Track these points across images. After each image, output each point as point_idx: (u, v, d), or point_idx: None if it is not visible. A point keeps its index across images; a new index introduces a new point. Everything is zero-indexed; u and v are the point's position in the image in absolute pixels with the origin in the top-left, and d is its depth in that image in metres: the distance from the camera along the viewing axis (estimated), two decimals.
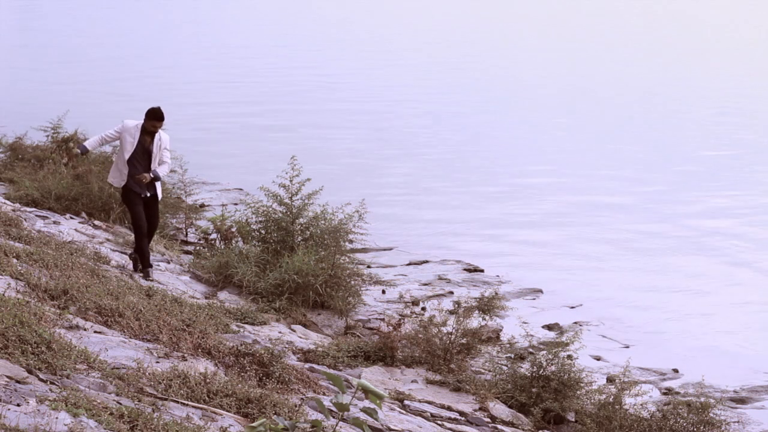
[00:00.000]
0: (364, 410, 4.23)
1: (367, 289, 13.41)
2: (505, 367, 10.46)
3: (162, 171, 11.51)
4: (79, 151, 11.63)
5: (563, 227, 18.58)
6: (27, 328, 6.73)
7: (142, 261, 11.63)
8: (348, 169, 23.04)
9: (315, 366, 9.40)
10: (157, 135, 11.38)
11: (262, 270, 12.62)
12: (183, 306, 9.60)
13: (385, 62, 45.73)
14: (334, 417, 4.48)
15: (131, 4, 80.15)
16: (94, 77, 39.03)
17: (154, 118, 11.30)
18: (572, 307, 14.35)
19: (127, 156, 11.31)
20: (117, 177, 11.52)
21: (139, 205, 11.46)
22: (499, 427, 9.35)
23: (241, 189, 20.25)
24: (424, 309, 13.27)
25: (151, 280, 11.33)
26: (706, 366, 12.10)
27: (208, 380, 7.10)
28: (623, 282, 15.62)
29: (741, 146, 26.60)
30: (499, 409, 9.73)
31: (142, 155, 11.36)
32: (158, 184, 11.59)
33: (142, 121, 11.35)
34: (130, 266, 11.86)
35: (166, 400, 6.66)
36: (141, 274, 11.51)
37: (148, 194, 11.50)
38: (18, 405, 5.64)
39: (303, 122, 29.79)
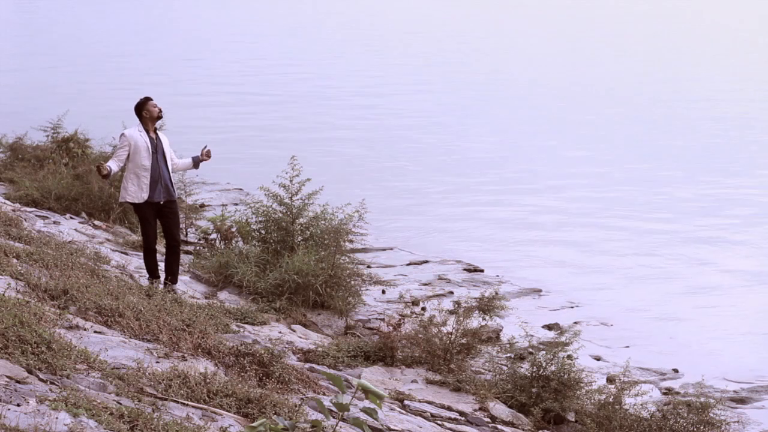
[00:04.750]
0: (364, 410, 4.23)
1: (367, 289, 13.40)
2: (505, 367, 10.46)
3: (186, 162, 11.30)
4: (105, 171, 10.75)
5: (564, 227, 18.58)
6: (27, 328, 6.73)
7: (150, 272, 11.22)
8: (348, 169, 23.05)
9: (315, 366, 9.40)
10: (158, 133, 11.01)
11: (262, 270, 12.62)
12: (183, 306, 9.60)
13: (384, 62, 45.73)
14: (334, 417, 4.48)
15: (132, 4, 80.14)
16: (94, 77, 39.04)
17: (148, 100, 10.90)
18: (572, 307, 14.35)
19: (147, 162, 10.75)
20: (135, 191, 10.83)
21: (151, 220, 10.95)
22: (499, 427, 9.35)
23: (241, 189, 20.26)
24: (424, 309, 13.27)
25: (157, 286, 10.70)
26: (706, 366, 12.10)
27: (208, 380, 7.09)
28: (623, 282, 15.62)
29: (744, 146, 26.59)
30: (499, 409, 9.73)
31: (159, 153, 10.86)
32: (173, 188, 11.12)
33: (138, 124, 10.93)
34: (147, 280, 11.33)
35: (166, 400, 6.65)
36: (163, 286, 10.95)
37: (162, 201, 10.89)
38: (18, 405, 5.64)
39: (303, 122, 29.79)
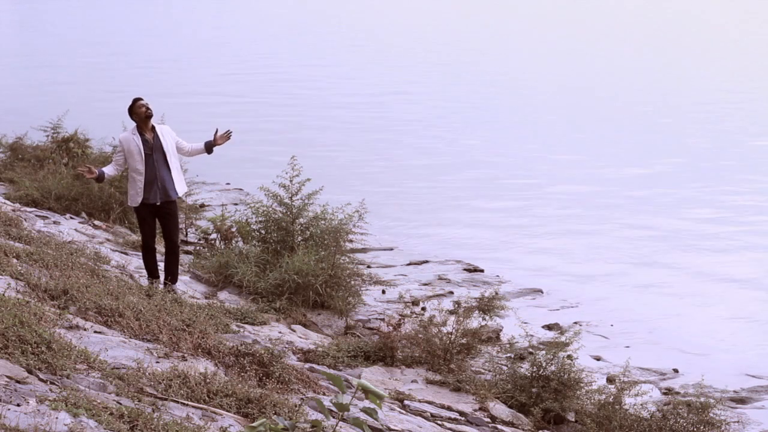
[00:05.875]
0: (364, 410, 4.23)
1: (367, 289, 13.40)
2: (505, 367, 10.46)
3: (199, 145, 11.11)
4: (96, 173, 10.83)
5: (563, 227, 18.58)
6: (27, 328, 6.73)
7: (149, 272, 11.21)
8: (348, 169, 23.05)
9: (315, 366, 9.40)
10: (157, 129, 10.80)
11: (262, 270, 12.62)
12: (183, 306, 9.59)
13: (384, 61, 45.73)
14: (334, 417, 4.48)
15: (132, 4, 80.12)
16: (94, 77, 39.04)
17: (136, 101, 10.79)
18: (572, 307, 14.35)
19: (141, 165, 10.69)
20: (133, 195, 10.84)
21: (149, 220, 10.95)
22: (499, 427, 9.35)
23: (241, 189, 20.26)
24: (424, 309, 13.27)
25: (157, 286, 10.67)
26: (706, 366, 12.10)
27: (208, 380, 7.09)
28: (623, 282, 15.62)
29: (743, 147, 26.59)
30: (499, 409, 9.73)
31: (157, 153, 10.73)
32: (177, 184, 10.91)
33: (134, 126, 10.85)
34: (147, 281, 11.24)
35: (166, 400, 6.65)
36: (163, 286, 10.93)
37: (159, 202, 10.82)
38: (18, 405, 5.64)
39: (303, 122, 29.79)
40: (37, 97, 32.92)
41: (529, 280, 15.33)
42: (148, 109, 10.80)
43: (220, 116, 30.16)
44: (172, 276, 11.14)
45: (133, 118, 10.89)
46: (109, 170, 11.01)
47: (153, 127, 10.87)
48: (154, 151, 10.79)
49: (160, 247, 12.10)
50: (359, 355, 10.37)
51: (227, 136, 11.17)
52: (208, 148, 11.15)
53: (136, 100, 10.90)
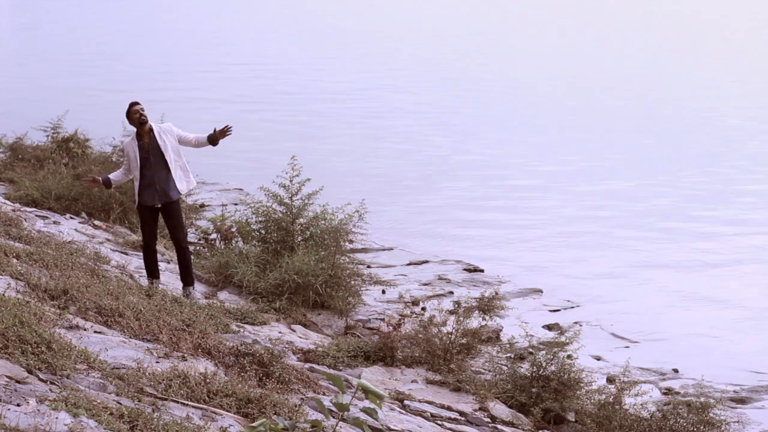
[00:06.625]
0: (364, 410, 4.23)
1: (367, 289, 13.40)
2: (505, 367, 10.45)
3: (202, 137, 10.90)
4: (100, 181, 11.01)
5: (563, 227, 18.58)
6: (27, 328, 6.73)
7: (148, 272, 11.22)
8: (348, 169, 23.04)
9: (315, 366, 9.40)
10: (155, 130, 10.74)
11: (262, 270, 12.62)
12: (183, 306, 9.59)
13: (384, 61, 45.73)
14: (334, 417, 4.48)
15: (132, 3, 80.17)
16: (94, 77, 39.04)
17: (131, 106, 10.77)
18: (572, 307, 14.35)
19: (137, 170, 10.75)
20: (134, 197, 11.01)
21: (150, 222, 10.97)
22: (499, 427, 9.34)
23: (241, 189, 20.25)
24: (424, 309, 13.26)
25: (157, 286, 10.66)
26: (706, 366, 12.10)
27: (208, 380, 7.09)
28: (623, 282, 15.62)
29: (741, 147, 26.59)
30: (499, 409, 9.73)
31: (155, 156, 10.72)
32: (178, 183, 10.85)
33: (134, 130, 10.88)
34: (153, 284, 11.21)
35: (166, 400, 6.65)
36: (183, 293, 10.94)
37: (159, 204, 10.84)
38: (18, 405, 5.64)
39: (303, 122, 29.79)
40: (37, 97, 32.92)
41: (529, 280, 15.33)
42: (142, 115, 10.76)
43: (219, 116, 30.18)
44: (184, 280, 11.14)
45: (130, 122, 10.97)
46: (116, 176, 11.20)
47: (150, 129, 10.84)
48: (150, 154, 10.78)
49: (161, 248, 12.13)
50: (359, 355, 10.36)
51: (225, 130, 10.98)
52: (212, 140, 11.05)
53: (131, 105, 10.88)
